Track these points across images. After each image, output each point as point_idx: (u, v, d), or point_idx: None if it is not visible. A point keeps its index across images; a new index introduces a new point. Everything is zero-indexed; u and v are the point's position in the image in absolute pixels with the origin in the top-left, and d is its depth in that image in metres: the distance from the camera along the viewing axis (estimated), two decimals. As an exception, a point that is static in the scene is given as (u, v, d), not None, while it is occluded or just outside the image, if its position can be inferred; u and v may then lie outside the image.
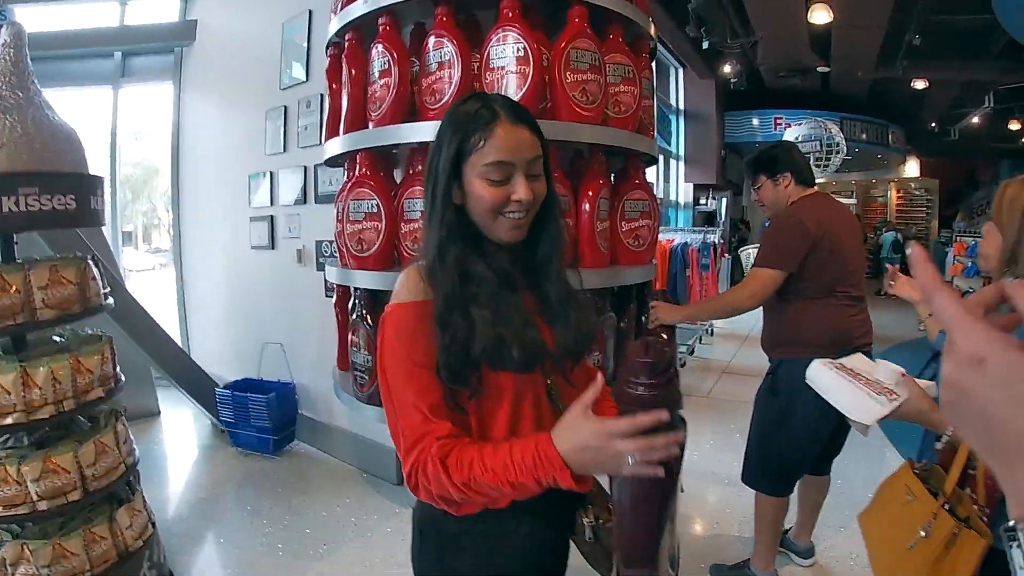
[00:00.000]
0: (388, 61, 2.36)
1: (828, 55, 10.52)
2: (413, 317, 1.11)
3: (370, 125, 2.46)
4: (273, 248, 4.56)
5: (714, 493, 3.70)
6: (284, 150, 4.34)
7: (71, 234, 3.44)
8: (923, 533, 1.37)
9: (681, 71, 12.37)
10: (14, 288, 2.34)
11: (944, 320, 0.45)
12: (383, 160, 2.53)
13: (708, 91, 12.50)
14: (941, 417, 1.47)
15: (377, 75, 2.41)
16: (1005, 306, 0.52)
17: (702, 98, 12.60)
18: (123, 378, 2.81)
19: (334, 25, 2.69)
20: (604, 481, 1.20)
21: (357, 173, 2.48)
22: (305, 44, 4.11)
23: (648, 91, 2.60)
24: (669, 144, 12.09)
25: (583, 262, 2.32)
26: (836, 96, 13.09)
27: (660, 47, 10.34)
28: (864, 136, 14.30)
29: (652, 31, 2.66)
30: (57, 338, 2.76)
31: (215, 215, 5.28)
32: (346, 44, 2.63)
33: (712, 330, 8.73)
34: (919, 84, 11.96)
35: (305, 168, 4.17)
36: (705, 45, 9.56)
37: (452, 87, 2.21)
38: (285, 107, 4.31)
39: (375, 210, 2.38)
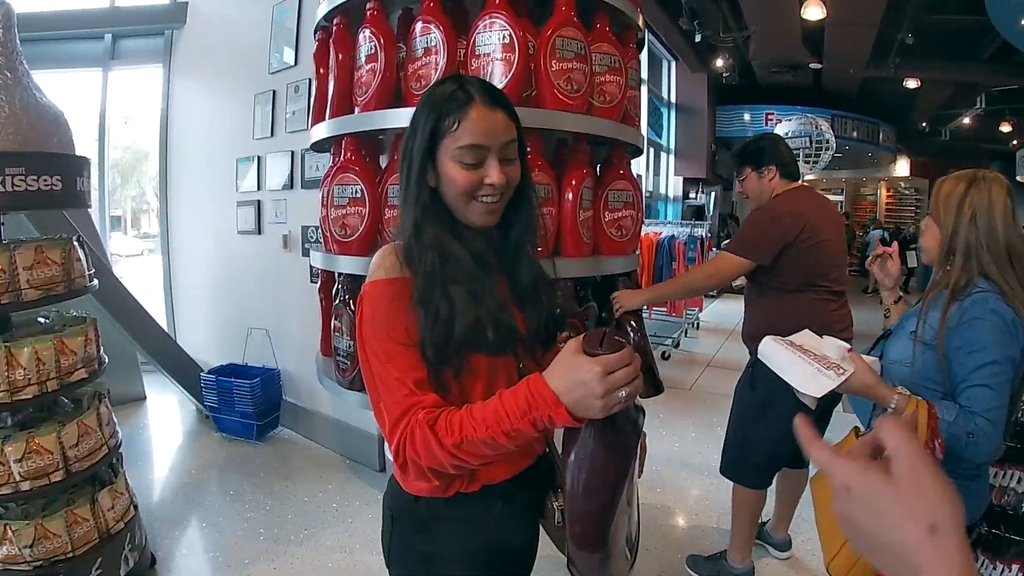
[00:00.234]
0: (375, 46, 2.36)
1: (820, 52, 10.58)
2: (390, 294, 1.11)
3: (356, 110, 2.46)
4: (260, 233, 4.55)
5: (694, 484, 3.74)
6: (272, 135, 4.32)
7: (58, 216, 3.42)
8: None
9: (673, 64, 12.40)
10: (0, 268, 2.34)
11: (821, 467, 0.55)
12: (368, 145, 2.53)
13: (700, 85, 12.53)
14: (885, 391, 1.57)
15: (364, 60, 2.41)
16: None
17: (694, 92, 12.63)
18: (107, 360, 2.81)
19: (323, 9, 2.69)
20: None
21: (342, 158, 2.48)
22: (295, 28, 4.09)
23: (634, 82, 2.61)
24: (660, 137, 12.12)
25: (565, 251, 2.33)
26: (828, 93, 13.16)
27: (653, 40, 10.35)
28: (855, 134, 14.38)
29: (640, 21, 2.66)
30: (42, 319, 2.76)
31: (203, 200, 5.26)
32: (334, 28, 2.62)
33: (698, 323, 8.78)
34: (911, 83, 12.03)
35: (292, 153, 4.16)
36: (698, 38, 9.59)
37: (438, 73, 2.21)
38: (274, 91, 4.28)
39: (359, 195, 2.39)
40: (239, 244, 4.76)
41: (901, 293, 2.02)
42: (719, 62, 11.21)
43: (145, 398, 5.16)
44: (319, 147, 2.86)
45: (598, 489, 1.06)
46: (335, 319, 2.69)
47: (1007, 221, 1.55)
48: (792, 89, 12.71)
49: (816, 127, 9.10)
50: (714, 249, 8.34)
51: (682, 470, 3.85)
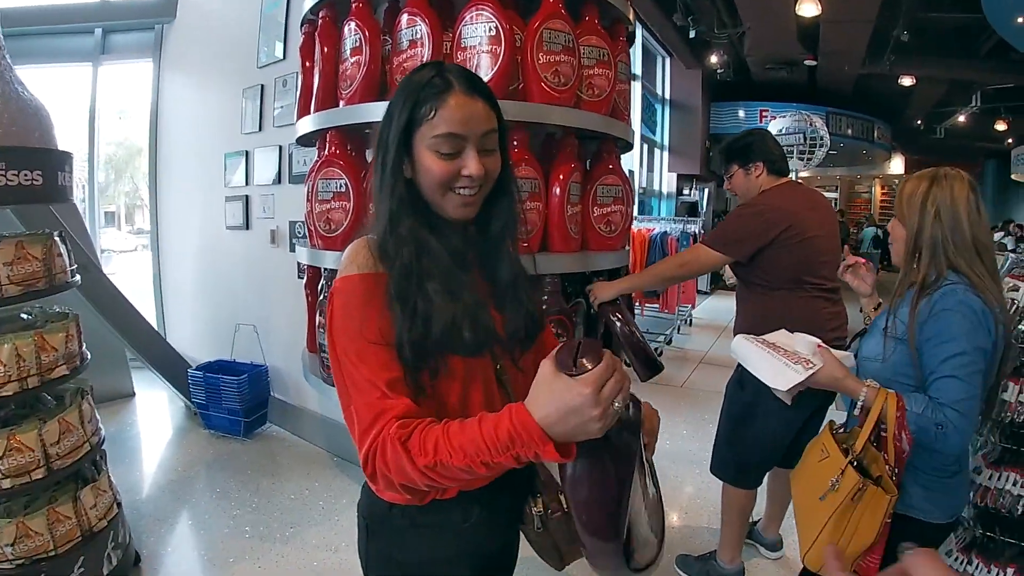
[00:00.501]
0: (360, 39, 2.33)
1: (816, 48, 10.55)
2: (363, 290, 1.05)
3: (340, 103, 2.43)
4: (248, 228, 4.52)
5: (685, 482, 3.72)
6: (260, 129, 4.29)
7: (44, 211, 3.36)
8: (831, 486, 1.50)
9: (668, 60, 12.37)
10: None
11: None
12: (353, 139, 2.50)
13: (694, 81, 12.51)
14: (854, 384, 1.60)
15: (349, 53, 2.38)
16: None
17: (688, 88, 12.60)
18: (89, 356, 2.76)
19: (309, 2, 2.66)
20: (552, 468, 1.18)
21: (327, 152, 2.45)
22: (283, 22, 4.05)
23: (624, 75, 2.58)
24: (654, 133, 12.10)
25: (553, 246, 2.30)
26: (822, 90, 13.14)
27: (647, 36, 10.33)
28: (849, 131, 14.37)
29: (630, 15, 2.64)
30: (24, 315, 2.73)
31: (192, 195, 5.22)
32: (320, 21, 2.59)
33: (690, 320, 8.77)
34: (906, 81, 12.03)
35: (280, 147, 4.12)
36: (692, 34, 9.57)
37: (423, 66, 2.18)
38: (262, 86, 4.25)
39: (344, 189, 2.36)
40: (227, 239, 4.73)
41: (880, 300, 2.00)
42: (713, 58, 11.19)
43: (134, 394, 5.12)
44: (304, 141, 2.83)
45: (603, 501, 1.01)
46: (320, 315, 2.67)
47: (972, 216, 1.58)
48: (787, 86, 12.69)
49: (810, 124, 9.09)
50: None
51: (673, 468, 3.84)
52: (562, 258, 2.30)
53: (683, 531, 3.20)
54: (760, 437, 2.53)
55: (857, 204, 20.46)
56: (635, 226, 7.54)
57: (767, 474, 2.75)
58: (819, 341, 1.72)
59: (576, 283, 2.49)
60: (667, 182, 12.62)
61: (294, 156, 4.03)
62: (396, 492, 1.02)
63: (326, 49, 2.53)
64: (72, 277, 2.70)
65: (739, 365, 2.62)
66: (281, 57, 4.09)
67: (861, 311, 2.04)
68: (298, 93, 2.88)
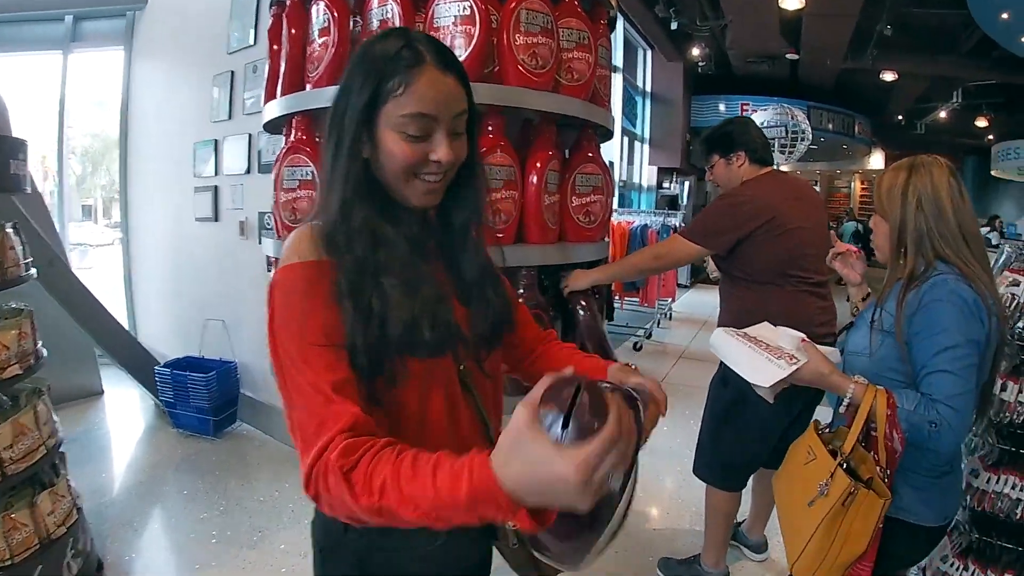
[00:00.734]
0: (328, 19, 2.21)
1: (798, 42, 10.55)
2: (305, 280, 0.95)
3: (308, 87, 2.31)
4: (217, 220, 4.39)
5: (667, 482, 3.65)
6: (230, 117, 4.16)
7: (6, 202, 3.20)
8: (820, 491, 1.44)
9: (649, 53, 12.32)
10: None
11: None
12: (320, 125, 2.37)
13: (675, 74, 12.47)
14: (841, 380, 1.52)
15: (317, 34, 2.26)
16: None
17: (669, 81, 12.56)
18: (45, 354, 2.63)
19: (277, -18, 2.54)
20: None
21: (293, 138, 2.34)
22: (255, 6, 3.92)
23: (604, 61, 2.49)
24: (634, 126, 12.04)
25: (529, 237, 2.21)
26: (804, 84, 13.17)
27: (628, 28, 10.25)
28: (830, 126, 14.43)
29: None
30: None
31: (162, 186, 5.07)
32: (288, 2, 2.47)
33: (670, 314, 8.73)
34: (888, 76, 12.08)
35: (250, 136, 4.00)
36: (674, 26, 9.50)
37: (394, 49, 2.07)
38: (232, 72, 4.11)
39: (310, 177, 2.24)
40: (196, 231, 4.59)
41: (869, 290, 1.93)
42: (695, 51, 11.15)
43: (102, 392, 4.96)
44: (271, 128, 2.70)
45: (579, 525, 0.87)
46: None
47: (955, 203, 1.51)
48: (768, 80, 12.70)
49: (792, 117, 9.07)
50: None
51: (654, 467, 3.76)
52: (539, 249, 2.20)
53: (665, 533, 3.13)
54: (745, 437, 2.44)
55: (837, 199, 20.57)
56: (615, 219, 7.48)
57: (751, 475, 2.68)
58: (803, 336, 1.64)
59: (553, 276, 2.40)
60: (647, 175, 12.59)
61: (264, 145, 3.89)
62: (343, 516, 0.88)
63: (294, 31, 2.42)
64: (27, 271, 2.57)
65: (722, 362, 2.55)
66: (252, 43, 3.96)
67: (848, 300, 1.97)
68: (265, 78, 2.75)
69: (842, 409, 1.51)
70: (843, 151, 17.16)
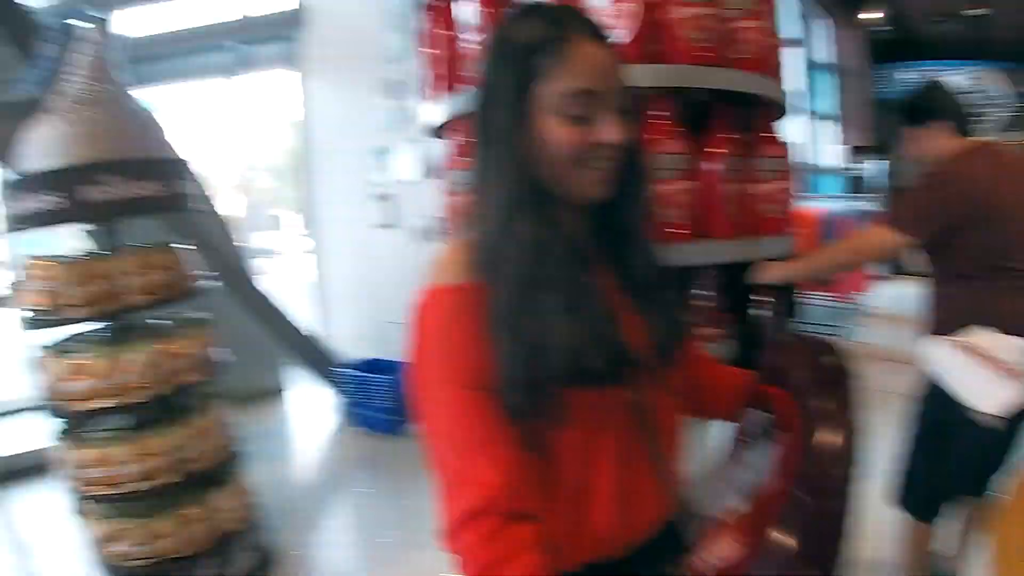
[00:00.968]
0: (479, 14, 2.08)
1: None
2: (451, 308, 0.84)
3: (462, 87, 2.20)
4: (394, 226, 4.57)
5: (864, 503, 3.18)
6: (400, 124, 4.32)
7: (185, 220, 3.43)
8: None
9: (826, 23, 11.26)
10: (106, 276, 2.37)
11: None
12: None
13: (856, 43, 11.28)
14: None
15: (470, 32, 2.14)
16: None
17: (850, 51, 11.39)
18: (224, 361, 2.78)
19: (427, -15, 2.47)
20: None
21: (458, 142, 2.25)
22: (406, 12, 4.03)
23: (774, 30, 2.16)
24: (815, 103, 11.04)
25: (709, 232, 1.93)
26: (1001, 44, 11.40)
27: (803, -4, 9.49)
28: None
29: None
30: (157, 322, 2.77)
31: (342, 195, 5.38)
32: (435, 3, 2.40)
33: (866, 309, 7.85)
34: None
35: (421, 142, 4.08)
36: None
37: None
38: (397, 81, 4.29)
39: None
40: (376, 238, 4.80)
41: None
42: (873, 16, 10.05)
43: (286, 391, 5.29)
44: (436, 132, 2.64)
45: None
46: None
47: None
48: (959, 41, 11.12)
49: (990, 83, 7.84)
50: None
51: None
52: (721, 245, 1.91)
53: (866, 565, 2.71)
54: (951, 462, 2.07)
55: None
56: (800, 207, 6.86)
57: (950, 504, 2.24)
58: None
59: (735, 276, 2.11)
60: (833, 156, 11.51)
61: (435, 150, 3.96)
62: None
63: (444, 32, 2.33)
64: (203, 284, 2.75)
65: (928, 371, 2.16)
66: (410, 49, 4.01)
67: None
68: (423, 83, 2.71)
69: None
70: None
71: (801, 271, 2.14)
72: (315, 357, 4.68)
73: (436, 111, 2.37)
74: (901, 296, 8.96)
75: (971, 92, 7.77)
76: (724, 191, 1.91)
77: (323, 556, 2.93)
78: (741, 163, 1.99)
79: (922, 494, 2.19)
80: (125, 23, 5.67)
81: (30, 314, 2.39)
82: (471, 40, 2.14)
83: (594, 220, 0.94)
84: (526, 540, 0.79)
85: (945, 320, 2.04)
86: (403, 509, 3.21)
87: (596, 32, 0.87)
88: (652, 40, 1.85)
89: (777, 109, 2.17)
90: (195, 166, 2.84)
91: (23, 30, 3.50)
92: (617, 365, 0.85)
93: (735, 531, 0.86)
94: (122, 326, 2.53)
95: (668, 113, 1.84)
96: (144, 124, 2.53)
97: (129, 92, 2.58)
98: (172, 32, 5.79)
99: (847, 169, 11.29)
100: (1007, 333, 1.84)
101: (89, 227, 2.54)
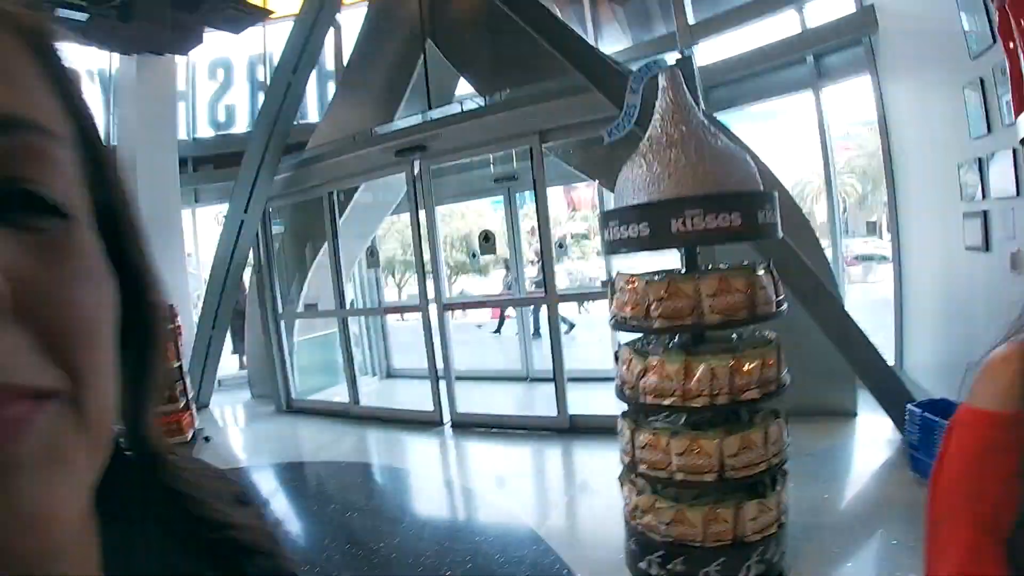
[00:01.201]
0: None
1: None
2: (991, 438, 0.73)
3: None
4: (987, 250, 3.90)
5: None
6: (988, 131, 3.64)
7: (771, 245, 3.60)
8: None
9: None
10: (687, 294, 2.80)
11: None
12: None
13: None
14: None
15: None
16: None
17: None
18: (787, 381, 2.93)
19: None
20: None
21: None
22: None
23: None
24: None
25: None
26: None
27: None
28: None
29: None
30: (731, 337, 3.07)
31: (927, 208, 4.94)
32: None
33: None
34: None
35: (1016, 151, 3.39)
36: None
37: None
38: (981, 78, 3.61)
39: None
40: (965, 260, 4.22)
41: None
42: None
43: (856, 414, 5.12)
44: None
45: None
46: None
47: None
48: None
49: None
50: None
51: None
52: None
53: None
54: None
55: None
56: None
57: None
58: None
59: None
60: None
61: None
62: None
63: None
64: (778, 308, 2.93)
65: None
66: (991, 41, 3.34)
67: None
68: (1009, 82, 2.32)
69: None
70: None
71: None
72: (888, 387, 4.37)
73: None
74: None
75: None
76: None
77: None
78: None
79: None
80: (704, 52, 6.25)
81: (619, 317, 2.97)
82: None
83: None
84: None
85: None
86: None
87: None
88: None
89: None
90: (781, 187, 2.98)
91: (613, 82, 4.20)
92: None
93: None
94: (695, 338, 2.95)
95: None
96: (728, 160, 2.82)
97: (713, 129, 2.91)
98: (747, 52, 6.20)
99: None
100: None
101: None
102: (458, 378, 6.39)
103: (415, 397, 6.78)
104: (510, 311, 10.61)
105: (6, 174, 0.28)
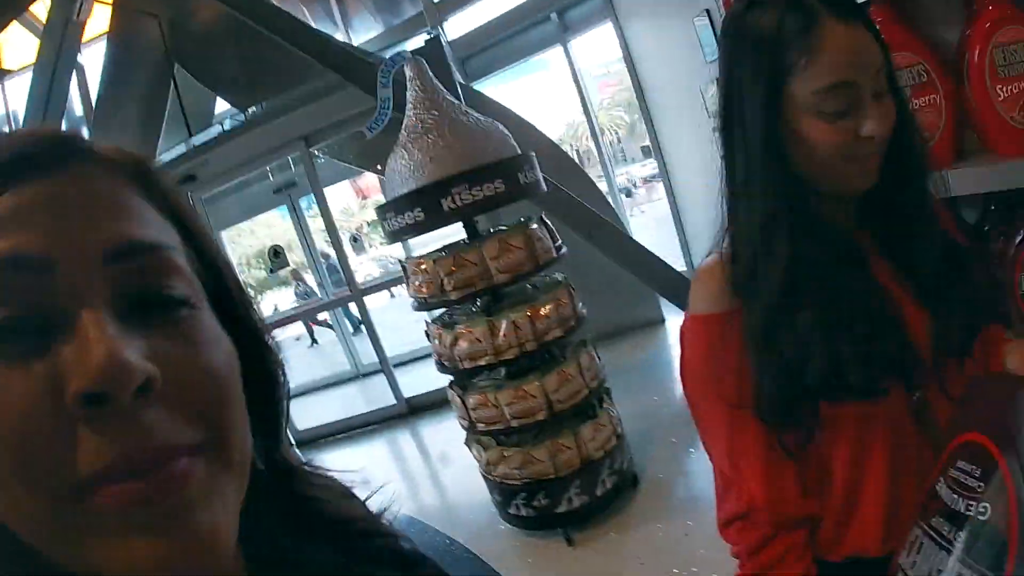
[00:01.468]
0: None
1: None
2: (710, 336, 0.88)
3: None
4: None
5: None
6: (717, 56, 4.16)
7: (544, 197, 3.79)
8: None
9: None
10: (474, 262, 2.99)
11: None
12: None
13: None
14: None
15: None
16: None
17: None
18: (584, 313, 3.22)
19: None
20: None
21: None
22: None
23: None
24: None
25: (990, 147, 1.48)
26: None
27: None
28: None
29: None
30: (524, 290, 3.29)
31: (680, 127, 5.46)
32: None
33: None
34: None
35: None
36: None
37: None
38: (707, 10, 4.11)
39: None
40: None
41: None
42: None
43: (664, 320, 5.69)
44: None
45: None
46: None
47: None
48: None
49: None
50: None
51: None
52: (1003, 167, 1.42)
53: None
54: None
55: None
56: None
57: None
58: None
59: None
60: None
61: None
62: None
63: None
64: (557, 253, 3.20)
65: None
66: None
67: None
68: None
69: None
70: None
71: None
72: (682, 293, 4.88)
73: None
74: None
75: None
76: (996, 92, 1.46)
77: (683, 477, 3.28)
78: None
79: None
80: (454, 26, 6.46)
81: (418, 299, 3.13)
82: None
83: (865, 209, 0.88)
84: (795, 547, 0.84)
85: None
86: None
87: (844, 7, 0.78)
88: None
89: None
90: (548, 141, 3.12)
91: (366, 74, 4.25)
92: (891, 375, 0.81)
93: None
94: (492, 298, 3.18)
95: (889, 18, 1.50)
96: (481, 134, 3.02)
97: (462, 107, 3.10)
98: (494, 19, 6.40)
99: None
100: None
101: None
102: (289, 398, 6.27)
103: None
104: (324, 316, 10.54)
105: (151, 286, 0.36)
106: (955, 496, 0.69)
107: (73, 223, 0.34)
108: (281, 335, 11.59)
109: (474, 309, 3.19)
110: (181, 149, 6.00)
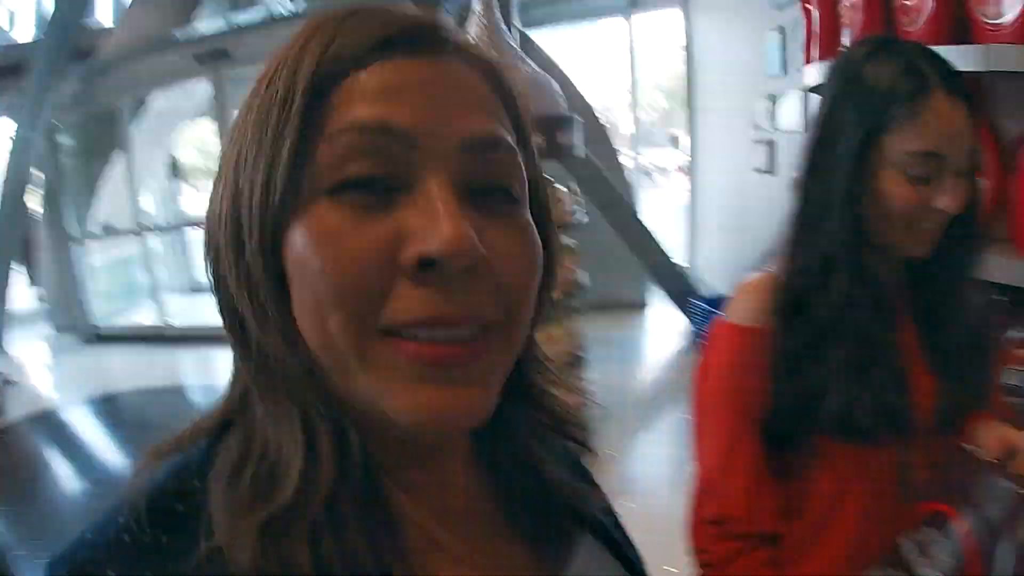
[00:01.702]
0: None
1: None
2: (746, 347, 0.89)
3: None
4: (773, 173, 4.45)
5: None
6: (784, 72, 4.14)
7: (571, 163, 3.86)
8: None
9: None
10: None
11: None
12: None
13: None
14: None
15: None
16: None
17: None
18: (583, 284, 3.33)
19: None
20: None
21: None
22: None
23: None
24: None
25: (1014, 240, 1.46)
26: None
27: None
28: None
29: None
30: None
31: (721, 131, 5.45)
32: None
33: None
34: None
35: (804, 94, 3.79)
36: None
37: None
38: (781, 26, 4.07)
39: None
40: (752, 179, 4.74)
41: None
42: None
43: (645, 305, 5.75)
44: (817, 91, 2.46)
45: None
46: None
47: None
48: None
49: None
50: None
51: None
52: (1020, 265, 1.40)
53: None
54: None
55: None
56: None
57: None
58: None
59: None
60: None
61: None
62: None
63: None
64: (574, 216, 3.28)
65: None
66: None
67: None
68: (803, 36, 2.44)
69: None
70: None
71: None
72: (675, 284, 4.99)
73: (812, 73, 2.14)
74: None
75: None
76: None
77: (634, 465, 3.33)
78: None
79: None
80: None
81: None
82: (851, 8, 1.84)
83: (911, 273, 0.91)
84: (767, 563, 0.86)
85: None
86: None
87: (955, 84, 0.81)
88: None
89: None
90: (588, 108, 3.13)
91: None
92: (889, 429, 0.83)
93: None
94: None
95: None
96: (534, 86, 3.00)
97: (520, 54, 3.07)
98: None
99: None
100: None
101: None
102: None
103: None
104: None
105: (493, 181, 0.39)
106: (918, 557, 0.78)
107: (440, 107, 0.38)
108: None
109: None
110: (221, 23, 5.83)
